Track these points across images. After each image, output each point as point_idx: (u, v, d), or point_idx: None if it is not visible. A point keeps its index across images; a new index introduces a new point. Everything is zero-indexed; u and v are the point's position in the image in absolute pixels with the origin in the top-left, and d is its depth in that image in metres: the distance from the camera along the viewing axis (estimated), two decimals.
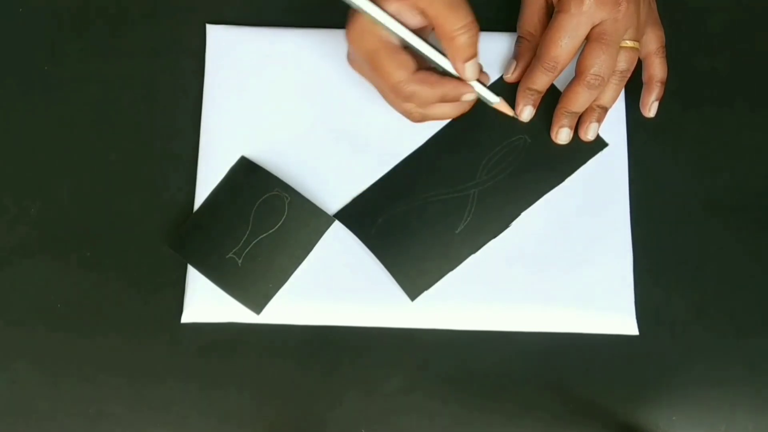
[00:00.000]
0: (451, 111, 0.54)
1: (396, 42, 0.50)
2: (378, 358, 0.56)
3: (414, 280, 0.56)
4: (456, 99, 0.53)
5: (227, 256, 0.56)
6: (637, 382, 0.56)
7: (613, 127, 0.59)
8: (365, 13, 0.48)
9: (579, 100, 0.55)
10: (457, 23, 0.49)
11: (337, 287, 0.56)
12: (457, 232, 0.57)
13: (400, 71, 0.50)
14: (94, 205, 0.58)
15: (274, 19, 0.61)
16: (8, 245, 0.58)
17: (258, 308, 0.56)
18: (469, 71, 0.52)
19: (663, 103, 0.59)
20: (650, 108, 0.58)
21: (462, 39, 0.49)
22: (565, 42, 0.53)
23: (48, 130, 0.59)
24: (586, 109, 0.57)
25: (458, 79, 0.52)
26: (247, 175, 0.57)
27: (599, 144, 0.58)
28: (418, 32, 0.50)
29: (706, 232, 0.58)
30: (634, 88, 0.59)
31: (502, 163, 0.58)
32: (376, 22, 0.49)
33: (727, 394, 0.56)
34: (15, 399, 0.56)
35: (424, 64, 0.52)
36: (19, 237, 0.58)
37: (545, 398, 0.56)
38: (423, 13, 0.49)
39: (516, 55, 0.59)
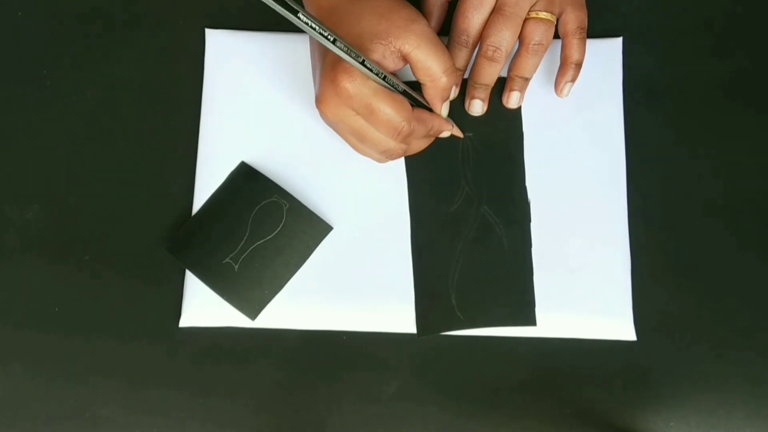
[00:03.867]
0: (425, 145, 0.56)
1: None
2: (375, 363, 0.56)
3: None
4: (438, 134, 0.56)
5: (224, 261, 0.56)
6: (635, 388, 0.56)
7: (611, 132, 0.59)
8: (358, 66, 0.48)
9: (481, 72, 0.55)
10: (441, 67, 0.51)
11: (334, 293, 0.56)
12: (506, 248, 0.57)
13: (404, 111, 0.50)
14: (93, 209, 0.58)
15: (273, 24, 0.61)
16: (6, 248, 0.58)
17: (253, 314, 0.56)
18: (445, 110, 0.55)
19: (661, 108, 0.59)
20: (563, 89, 0.57)
21: (443, 81, 0.52)
22: (471, 14, 0.53)
23: (47, 134, 0.60)
24: (508, 78, 0.57)
25: (438, 116, 0.55)
26: (247, 181, 0.57)
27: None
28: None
29: (704, 237, 0.58)
30: (636, 92, 0.59)
31: (470, 166, 0.58)
32: (365, 72, 0.49)
33: (724, 399, 0.56)
34: (10, 402, 0.56)
35: None
36: (17, 240, 0.58)
37: (542, 404, 0.56)
38: (406, 57, 0.50)
39: (424, 12, 0.58)
